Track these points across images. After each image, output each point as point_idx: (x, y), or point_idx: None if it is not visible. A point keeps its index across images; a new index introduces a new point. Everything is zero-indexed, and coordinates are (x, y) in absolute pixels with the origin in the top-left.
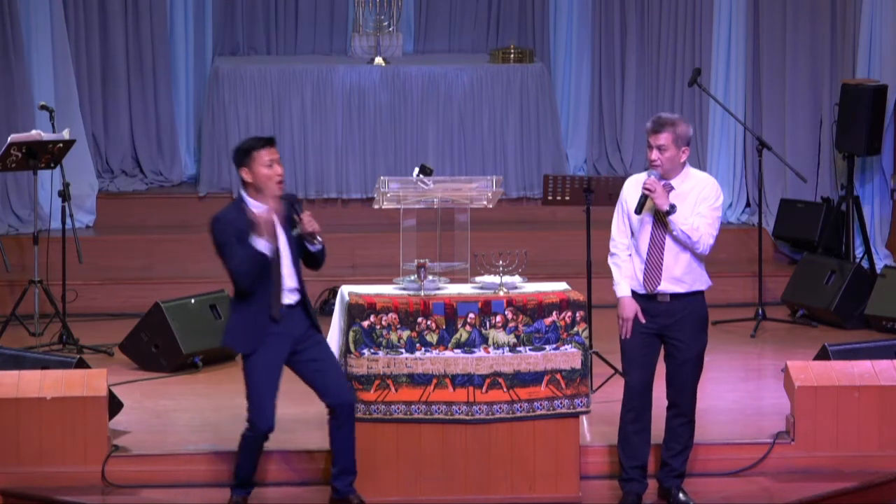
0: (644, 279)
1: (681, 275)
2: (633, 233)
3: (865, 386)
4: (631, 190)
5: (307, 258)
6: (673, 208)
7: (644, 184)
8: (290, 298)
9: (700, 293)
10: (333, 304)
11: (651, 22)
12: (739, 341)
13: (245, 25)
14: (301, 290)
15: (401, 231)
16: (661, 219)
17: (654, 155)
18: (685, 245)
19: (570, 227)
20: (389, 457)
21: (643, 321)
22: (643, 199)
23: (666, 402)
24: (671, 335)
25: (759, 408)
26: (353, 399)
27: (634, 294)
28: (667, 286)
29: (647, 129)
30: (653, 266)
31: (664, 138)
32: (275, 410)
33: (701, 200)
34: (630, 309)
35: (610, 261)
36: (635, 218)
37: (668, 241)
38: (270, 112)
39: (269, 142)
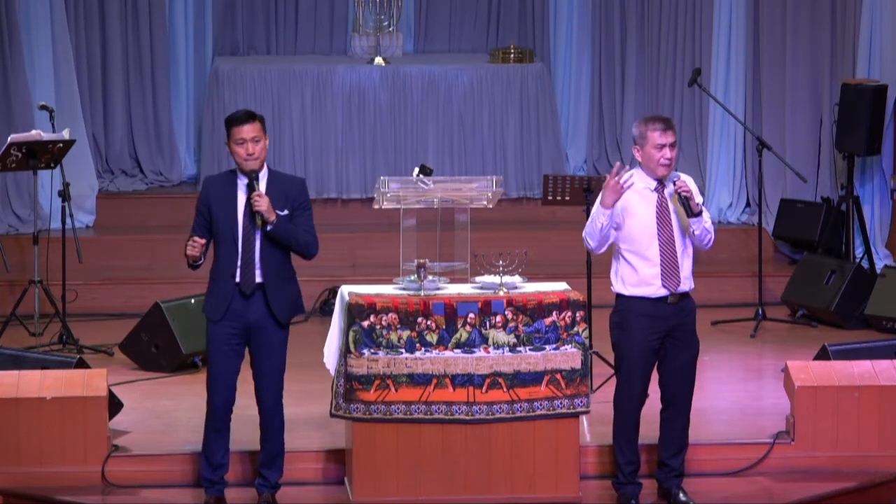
0: (664, 280)
1: (688, 273)
2: (625, 239)
3: (865, 386)
4: (629, 198)
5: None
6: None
7: (680, 187)
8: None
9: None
10: (333, 304)
11: (651, 22)
12: (739, 341)
13: (245, 25)
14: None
15: (401, 231)
16: (667, 219)
17: (669, 153)
18: (698, 243)
19: (570, 227)
20: (389, 457)
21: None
22: (686, 202)
23: (659, 404)
24: (675, 335)
25: (759, 408)
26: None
27: (643, 300)
28: (684, 285)
29: (657, 127)
30: (669, 266)
31: (673, 136)
32: None
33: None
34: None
35: (584, 236)
36: (641, 223)
37: (677, 241)
38: (270, 112)
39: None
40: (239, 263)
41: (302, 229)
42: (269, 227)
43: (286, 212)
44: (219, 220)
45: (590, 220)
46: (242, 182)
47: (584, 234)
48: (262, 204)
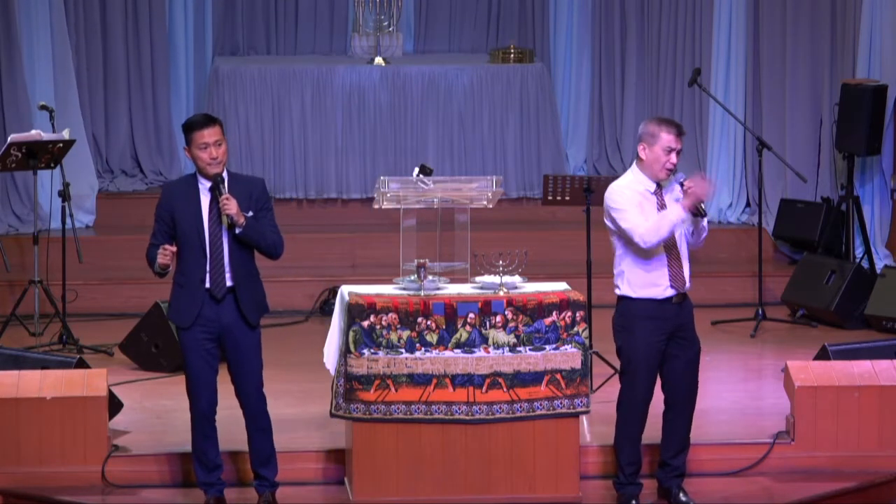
0: (672, 281)
1: (690, 273)
2: (631, 241)
3: (865, 386)
4: (633, 193)
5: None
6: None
7: (689, 188)
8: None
9: None
10: (333, 304)
11: (651, 22)
12: (739, 341)
13: (245, 25)
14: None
15: (401, 231)
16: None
17: (675, 159)
18: (695, 241)
19: (570, 227)
20: (389, 457)
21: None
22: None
23: (661, 404)
24: (680, 334)
25: (759, 408)
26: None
27: (649, 301)
28: (688, 284)
29: (672, 131)
30: (677, 267)
31: (682, 144)
32: None
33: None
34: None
35: (643, 237)
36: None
37: (680, 241)
38: (270, 112)
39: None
40: (208, 268)
41: (268, 229)
42: (238, 230)
43: (250, 213)
44: (183, 225)
45: (665, 227)
46: (205, 186)
47: (646, 238)
48: (232, 207)
